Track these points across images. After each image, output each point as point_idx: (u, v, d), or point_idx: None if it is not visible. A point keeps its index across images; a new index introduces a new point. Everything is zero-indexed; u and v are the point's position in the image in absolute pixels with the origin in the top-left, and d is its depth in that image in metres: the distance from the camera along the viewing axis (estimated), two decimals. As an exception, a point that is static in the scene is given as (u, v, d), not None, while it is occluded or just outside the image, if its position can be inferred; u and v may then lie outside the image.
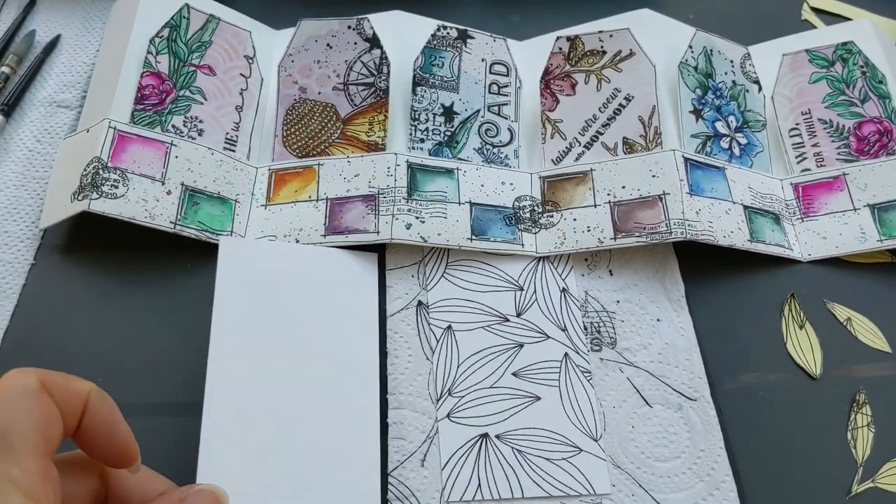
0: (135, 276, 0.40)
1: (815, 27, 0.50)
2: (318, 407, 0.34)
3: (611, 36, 0.44)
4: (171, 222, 0.39)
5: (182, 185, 0.40)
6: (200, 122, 0.43)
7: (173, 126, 0.42)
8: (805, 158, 0.44)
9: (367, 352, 0.37)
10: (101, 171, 0.39)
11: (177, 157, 0.41)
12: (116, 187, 0.39)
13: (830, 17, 0.51)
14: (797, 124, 0.45)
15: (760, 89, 0.47)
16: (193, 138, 0.42)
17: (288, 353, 0.35)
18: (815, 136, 0.45)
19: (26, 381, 0.24)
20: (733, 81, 0.46)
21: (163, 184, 0.40)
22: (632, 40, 0.44)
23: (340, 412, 0.35)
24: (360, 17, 0.44)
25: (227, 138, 0.43)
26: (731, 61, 0.46)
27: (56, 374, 0.25)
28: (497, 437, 0.36)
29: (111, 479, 0.27)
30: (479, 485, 0.34)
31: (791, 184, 0.44)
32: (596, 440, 0.36)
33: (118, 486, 0.27)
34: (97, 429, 0.26)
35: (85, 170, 0.39)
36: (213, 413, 0.32)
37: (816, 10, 0.51)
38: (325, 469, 0.33)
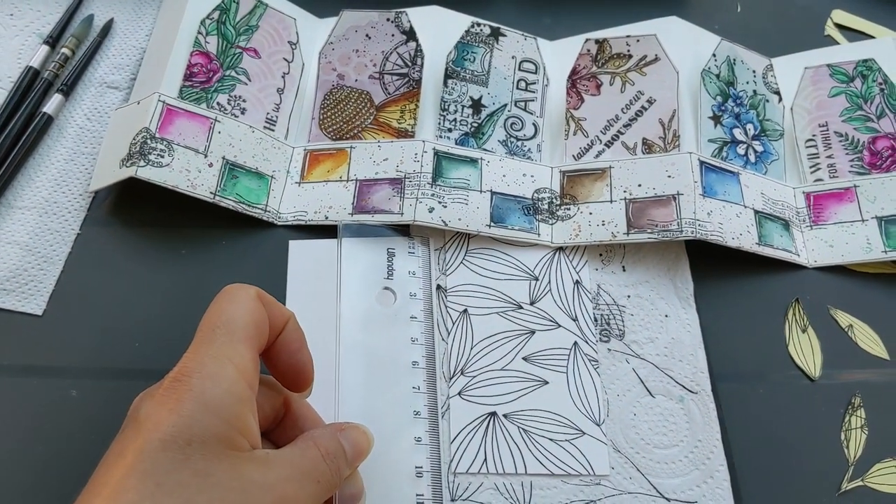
0: (172, 251, 0.42)
1: (837, 43, 0.51)
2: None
3: (638, 41, 0.46)
4: (210, 192, 0.42)
5: (223, 158, 0.43)
6: (244, 101, 0.45)
7: (218, 103, 0.44)
8: (819, 169, 0.46)
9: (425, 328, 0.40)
10: (148, 141, 0.41)
11: (219, 132, 0.43)
12: (162, 157, 0.41)
13: (853, 34, 0.52)
14: (814, 135, 0.47)
15: (780, 100, 0.48)
16: (236, 116, 0.44)
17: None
18: (831, 147, 0.46)
19: (248, 290, 0.29)
20: (754, 91, 0.47)
21: (205, 156, 0.42)
22: (658, 46, 0.46)
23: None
24: (398, 10, 0.46)
25: (267, 118, 0.45)
26: (754, 71, 0.48)
27: (267, 294, 0.29)
28: (505, 416, 0.38)
29: (290, 405, 0.31)
30: (486, 459, 0.37)
31: (803, 192, 0.46)
32: (598, 425, 0.38)
33: (295, 411, 0.31)
34: (287, 348, 0.30)
35: (134, 139, 0.41)
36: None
37: (840, 27, 0.52)
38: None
